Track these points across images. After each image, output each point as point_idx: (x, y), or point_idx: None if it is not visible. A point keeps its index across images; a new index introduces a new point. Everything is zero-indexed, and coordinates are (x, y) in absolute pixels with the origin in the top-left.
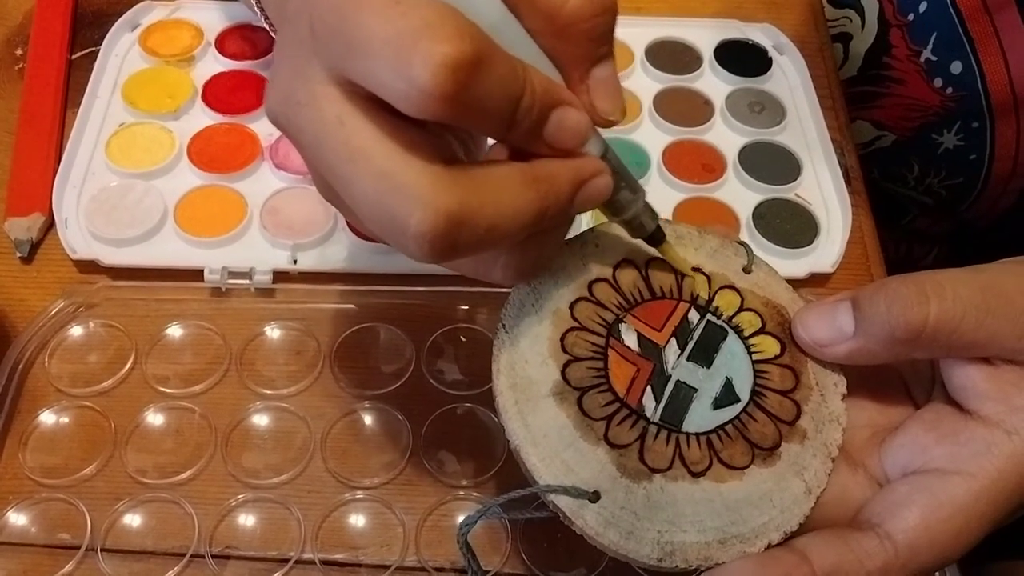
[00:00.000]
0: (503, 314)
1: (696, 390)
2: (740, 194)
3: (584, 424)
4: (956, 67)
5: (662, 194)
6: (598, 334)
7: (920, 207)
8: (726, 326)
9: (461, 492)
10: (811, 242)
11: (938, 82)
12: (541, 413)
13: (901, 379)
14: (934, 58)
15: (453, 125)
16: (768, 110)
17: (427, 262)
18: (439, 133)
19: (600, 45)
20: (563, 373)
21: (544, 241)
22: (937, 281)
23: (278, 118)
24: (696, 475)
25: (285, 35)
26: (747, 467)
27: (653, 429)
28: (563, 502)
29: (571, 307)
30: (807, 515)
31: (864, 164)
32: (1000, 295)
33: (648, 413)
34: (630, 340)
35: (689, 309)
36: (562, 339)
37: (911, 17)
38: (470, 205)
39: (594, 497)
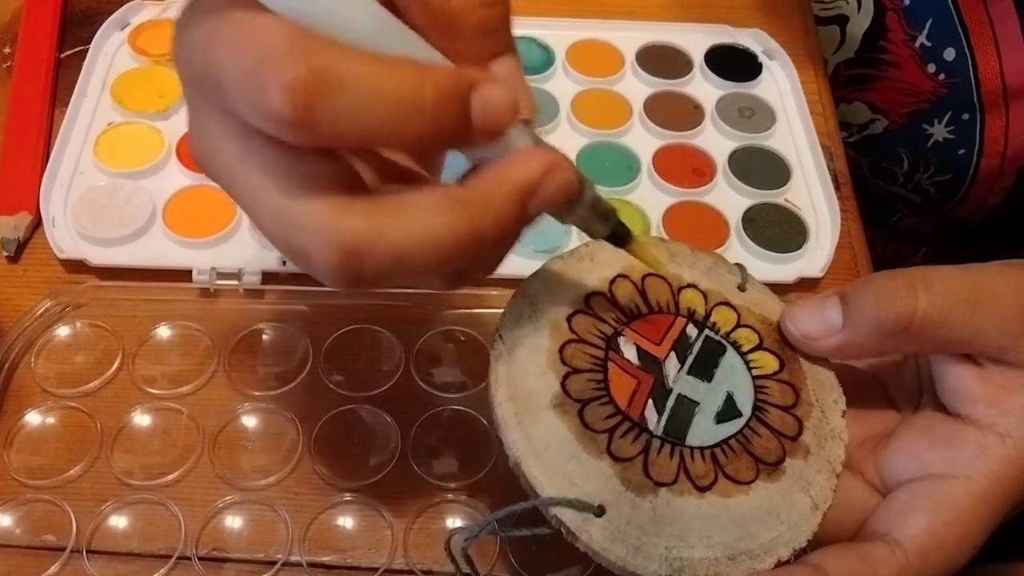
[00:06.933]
0: (500, 325)
1: (698, 404)
2: (730, 199)
3: (586, 436)
4: (949, 54)
5: (652, 198)
6: (597, 347)
7: (908, 205)
8: (724, 341)
9: (450, 495)
10: (800, 247)
11: (931, 68)
12: (542, 425)
13: (884, 390)
14: (928, 43)
15: (353, 149)
16: (758, 115)
17: (347, 291)
18: (349, 161)
19: (494, 39)
20: (563, 385)
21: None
22: (925, 275)
23: (203, 168)
24: (702, 489)
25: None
26: (752, 482)
27: (656, 442)
28: (567, 516)
29: (569, 320)
30: (815, 531)
31: (854, 155)
32: (988, 292)
33: (651, 426)
34: (629, 353)
35: (687, 324)
36: (561, 351)
37: (907, 2)
38: (368, 236)
39: (599, 511)
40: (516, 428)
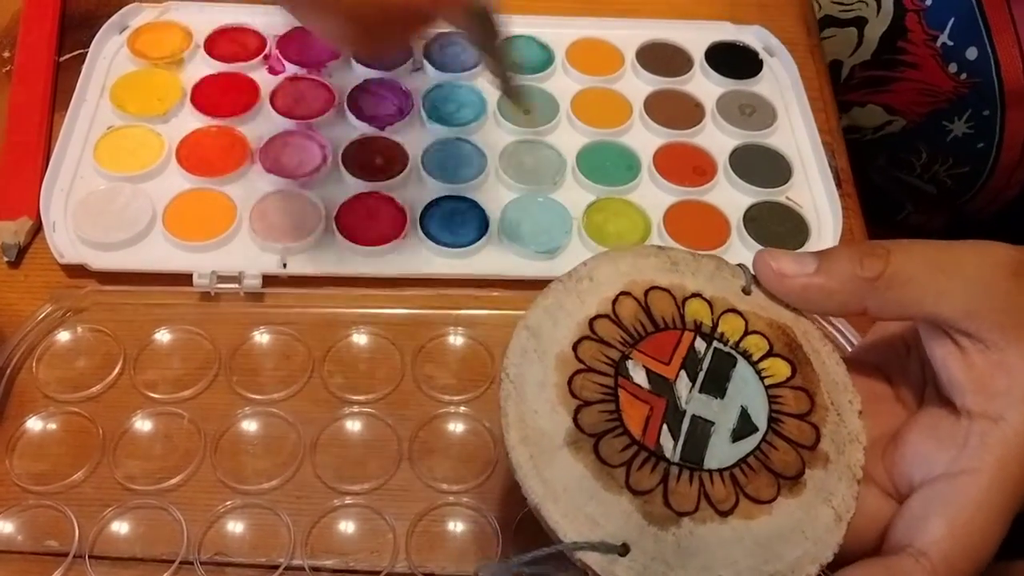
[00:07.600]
0: (505, 363)
1: (713, 423)
2: (731, 197)
3: (604, 472)
4: (972, 53)
5: (653, 198)
6: (606, 374)
7: (920, 198)
8: (734, 352)
9: (451, 498)
10: (802, 245)
11: (953, 67)
12: (558, 466)
13: (889, 385)
14: (950, 43)
15: None
16: (759, 112)
17: None
18: None
19: None
20: (575, 420)
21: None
22: (898, 242)
23: None
24: (724, 514)
25: None
26: (774, 500)
27: (675, 470)
28: (592, 559)
29: (574, 348)
30: (840, 544)
31: (872, 150)
32: (955, 257)
33: (667, 453)
34: (639, 377)
35: (695, 338)
36: (569, 383)
37: (928, 2)
38: None
39: (624, 550)
40: (532, 473)
